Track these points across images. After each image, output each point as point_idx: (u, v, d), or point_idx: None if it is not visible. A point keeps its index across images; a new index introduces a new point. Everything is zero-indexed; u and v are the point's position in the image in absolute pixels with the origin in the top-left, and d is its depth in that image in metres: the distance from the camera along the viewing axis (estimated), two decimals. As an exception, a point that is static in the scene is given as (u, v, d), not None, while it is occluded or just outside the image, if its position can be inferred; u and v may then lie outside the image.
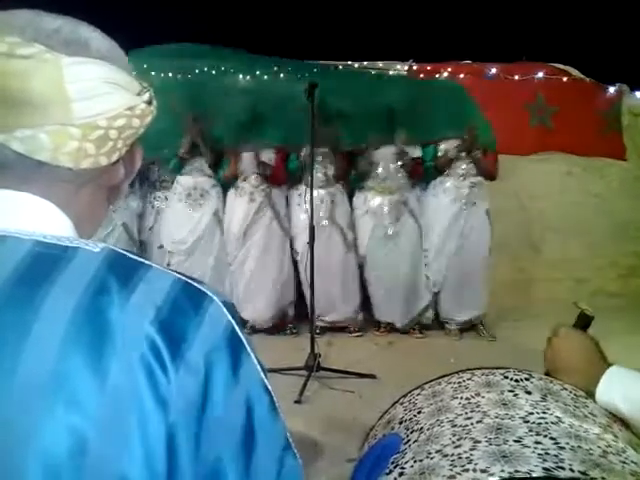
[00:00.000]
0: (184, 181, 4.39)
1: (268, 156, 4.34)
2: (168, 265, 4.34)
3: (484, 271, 4.49)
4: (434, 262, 4.49)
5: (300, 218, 4.26)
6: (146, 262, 0.54)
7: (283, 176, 4.39)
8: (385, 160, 4.40)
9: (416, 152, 4.43)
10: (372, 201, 4.42)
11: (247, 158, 4.34)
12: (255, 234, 4.36)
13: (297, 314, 4.58)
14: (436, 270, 4.48)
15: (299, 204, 4.36)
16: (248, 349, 0.54)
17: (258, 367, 0.55)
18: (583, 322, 1.00)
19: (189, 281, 0.54)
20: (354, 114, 4.34)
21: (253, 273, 4.40)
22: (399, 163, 4.37)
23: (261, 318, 4.45)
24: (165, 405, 0.47)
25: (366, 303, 4.60)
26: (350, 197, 4.54)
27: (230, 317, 0.54)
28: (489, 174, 4.40)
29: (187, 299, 0.52)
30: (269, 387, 0.55)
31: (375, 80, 4.82)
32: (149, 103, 0.62)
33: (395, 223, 4.38)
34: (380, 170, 4.39)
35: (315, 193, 3.92)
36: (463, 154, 4.37)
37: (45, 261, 0.51)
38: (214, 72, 4.51)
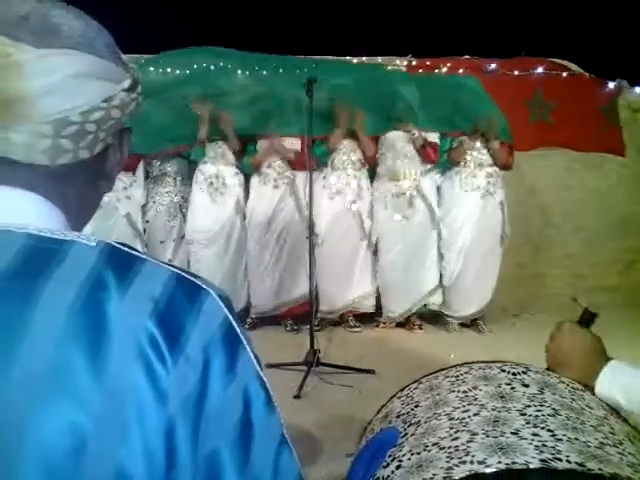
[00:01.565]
0: (205, 169, 4.35)
1: (291, 142, 4.34)
2: (188, 256, 4.40)
3: (495, 263, 4.48)
4: (450, 254, 4.47)
5: (323, 202, 4.28)
6: (141, 255, 0.54)
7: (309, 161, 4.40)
8: (396, 144, 4.39)
9: (433, 137, 4.44)
10: (384, 187, 4.41)
11: (271, 144, 4.32)
12: (278, 222, 4.35)
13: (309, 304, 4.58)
14: (452, 262, 4.47)
15: (324, 186, 4.35)
16: (245, 343, 0.54)
17: (254, 361, 0.54)
18: (586, 318, 1.00)
19: (185, 275, 0.54)
20: (368, 104, 4.35)
21: (271, 261, 4.40)
22: (412, 147, 4.36)
23: (273, 305, 4.45)
24: (164, 398, 0.47)
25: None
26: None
27: (227, 311, 0.53)
28: (505, 164, 4.42)
29: (184, 293, 0.52)
30: (266, 381, 0.55)
31: (388, 73, 4.84)
32: (130, 90, 0.58)
33: (408, 209, 4.36)
34: (391, 155, 4.39)
35: (343, 176, 4.12)
36: (478, 144, 4.38)
37: (40, 255, 0.50)
38: (230, 66, 4.53)
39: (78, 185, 0.59)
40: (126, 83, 0.58)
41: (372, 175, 4.55)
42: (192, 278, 0.54)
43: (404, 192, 4.34)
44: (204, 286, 0.53)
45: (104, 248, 0.52)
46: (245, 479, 0.51)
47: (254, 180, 4.41)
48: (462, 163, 4.41)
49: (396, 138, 4.39)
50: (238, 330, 0.54)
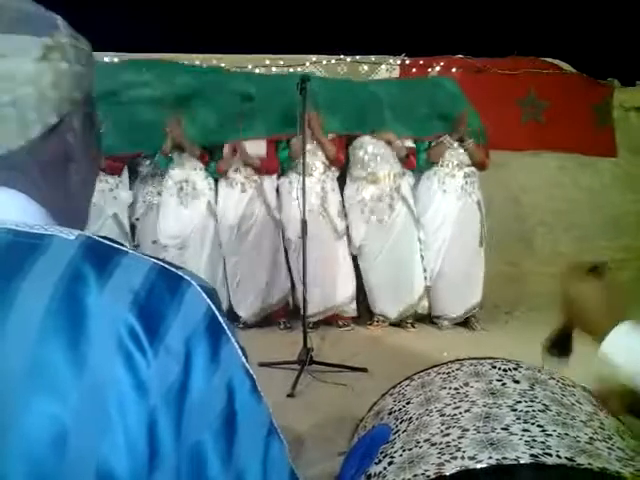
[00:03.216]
0: (175, 175, 4.35)
1: (259, 145, 4.31)
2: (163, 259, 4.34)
3: (478, 263, 4.48)
4: (429, 254, 4.47)
5: (291, 206, 4.22)
6: (122, 248, 0.53)
7: (274, 165, 4.38)
8: (370, 147, 4.37)
9: (408, 142, 4.43)
10: (364, 191, 4.39)
11: (231, 151, 4.32)
12: (248, 226, 4.35)
13: (290, 306, 4.59)
14: (431, 262, 4.47)
15: (290, 192, 4.33)
16: (228, 333, 0.53)
17: (239, 351, 0.54)
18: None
19: (166, 266, 0.53)
20: (343, 104, 4.34)
21: (247, 265, 4.39)
22: (387, 149, 4.33)
23: (255, 310, 4.45)
24: (145, 389, 0.47)
25: (360, 295, 4.60)
26: (342, 185, 4.52)
27: (210, 301, 0.53)
28: (481, 164, 4.40)
29: (165, 284, 0.51)
30: (250, 370, 0.55)
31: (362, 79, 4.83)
32: (43, 59, 0.53)
33: (389, 212, 4.35)
34: (368, 158, 4.38)
35: (308, 180, 3.96)
36: (456, 144, 4.38)
37: (19, 250, 0.49)
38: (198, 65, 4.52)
39: (42, 174, 0.57)
40: (35, 53, 0.53)
41: (341, 176, 4.52)
42: (174, 269, 0.53)
43: (385, 195, 4.33)
44: (186, 277, 0.53)
45: (84, 241, 0.51)
46: (230, 469, 0.50)
47: (221, 184, 4.42)
48: (440, 163, 4.40)
49: (370, 141, 4.37)
50: (222, 320, 0.53)
